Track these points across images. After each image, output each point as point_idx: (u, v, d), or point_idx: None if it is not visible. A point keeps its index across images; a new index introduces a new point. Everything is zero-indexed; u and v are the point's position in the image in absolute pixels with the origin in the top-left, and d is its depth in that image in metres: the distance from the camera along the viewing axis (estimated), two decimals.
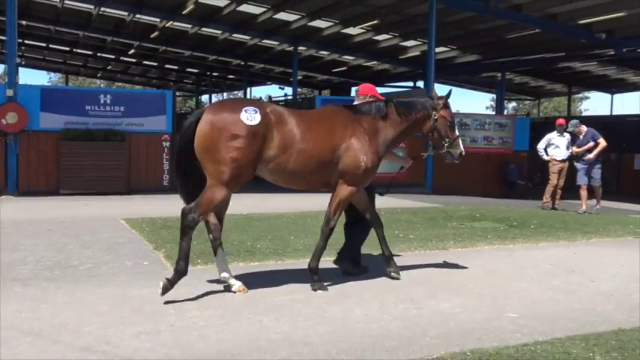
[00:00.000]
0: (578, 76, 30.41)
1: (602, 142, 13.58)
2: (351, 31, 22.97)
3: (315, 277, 6.02)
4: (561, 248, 8.65)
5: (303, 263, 6.51)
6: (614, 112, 31.41)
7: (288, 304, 5.39)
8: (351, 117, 6.14)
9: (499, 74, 28.02)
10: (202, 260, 6.92)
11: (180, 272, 5.45)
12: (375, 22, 20.92)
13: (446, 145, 6.51)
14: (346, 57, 27.91)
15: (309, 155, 5.79)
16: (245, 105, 5.65)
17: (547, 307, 5.55)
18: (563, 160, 14.26)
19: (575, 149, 13.91)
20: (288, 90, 31.14)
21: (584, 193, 13.64)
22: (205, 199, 5.50)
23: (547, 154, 14.44)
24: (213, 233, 5.94)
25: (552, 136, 14.50)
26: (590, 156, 13.53)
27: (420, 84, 30.41)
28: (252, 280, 6.01)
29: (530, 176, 18.57)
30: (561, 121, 14.78)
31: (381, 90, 7.74)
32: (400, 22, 20.92)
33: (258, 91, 55.73)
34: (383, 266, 6.53)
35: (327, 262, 6.68)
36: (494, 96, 34.38)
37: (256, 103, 6.14)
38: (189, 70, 36.44)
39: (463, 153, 6.62)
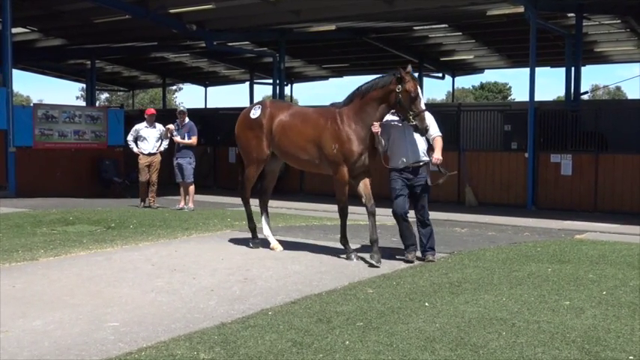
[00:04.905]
0: (172, 67, 31.85)
1: (193, 141, 13.95)
2: None
3: (347, 247, 8.37)
4: (162, 247, 8.96)
5: None
6: (209, 105, 33.48)
7: None
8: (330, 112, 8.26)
9: (88, 62, 27.62)
10: None
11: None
12: None
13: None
14: None
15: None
16: (256, 104, 8.89)
17: (150, 310, 5.69)
18: (150, 154, 14.14)
19: (176, 139, 13.95)
20: None
21: (182, 189, 14.11)
22: (245, 177, 8.85)
23: (137, 147, 14.29)
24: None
25: (140, 127, 14.33)
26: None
27: None
28: None
29: (128, 173, 18.65)
30: (151, 110, 14.91)
31: None
32: None
33: None
34: None
35: None
36: (85, 86, 33.85)
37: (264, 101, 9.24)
38: None
39: None
